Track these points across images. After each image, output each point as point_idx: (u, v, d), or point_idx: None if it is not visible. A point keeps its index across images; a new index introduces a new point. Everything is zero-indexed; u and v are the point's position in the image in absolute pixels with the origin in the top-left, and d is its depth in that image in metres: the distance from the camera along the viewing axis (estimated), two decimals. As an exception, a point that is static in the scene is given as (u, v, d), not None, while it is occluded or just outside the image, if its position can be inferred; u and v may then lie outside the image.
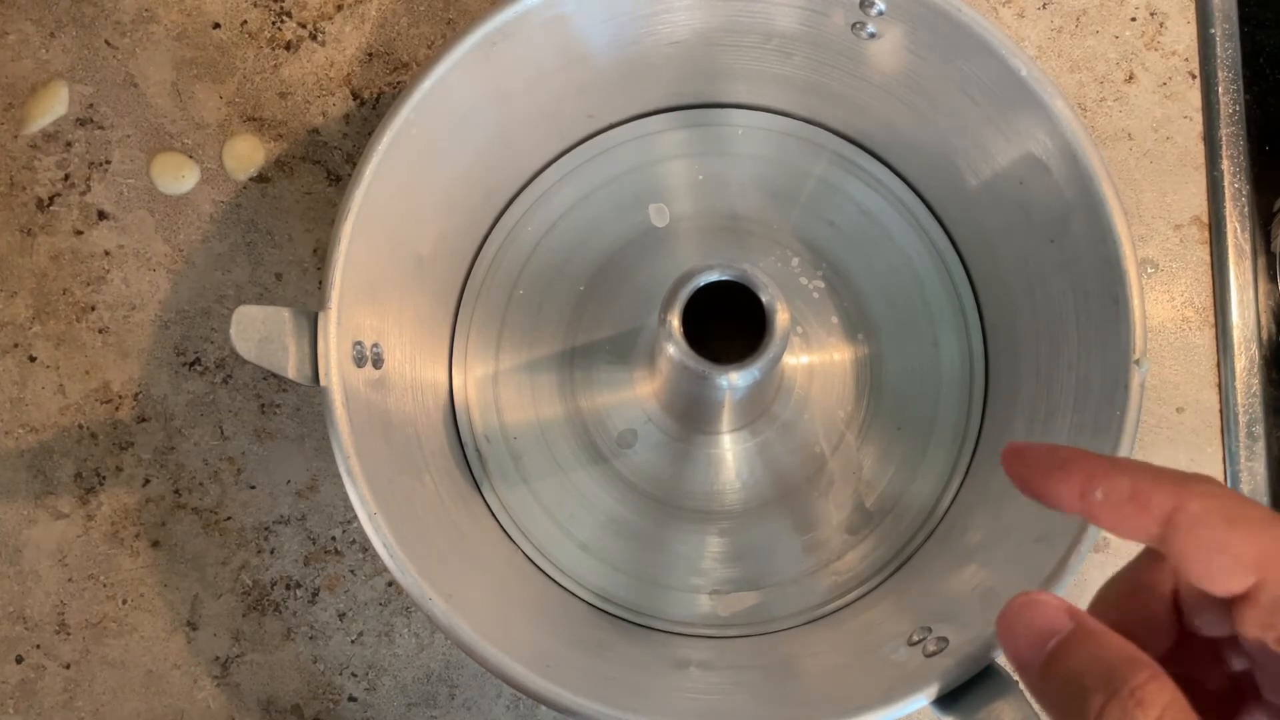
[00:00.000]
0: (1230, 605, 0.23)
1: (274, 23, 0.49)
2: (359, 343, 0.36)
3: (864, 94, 0.43)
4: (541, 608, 0.42)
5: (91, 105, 0.48)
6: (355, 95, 0.48)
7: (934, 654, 0.34)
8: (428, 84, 0.37)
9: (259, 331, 0.34)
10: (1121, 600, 0.26)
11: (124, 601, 0.45)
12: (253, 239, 0.47)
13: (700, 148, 0.47)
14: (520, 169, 0.46)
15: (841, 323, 0.45)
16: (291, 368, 0.34)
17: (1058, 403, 0.39)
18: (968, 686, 0.33)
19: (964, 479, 0.44)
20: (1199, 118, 0.49)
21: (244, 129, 0.48)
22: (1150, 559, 0.26)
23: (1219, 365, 0.47)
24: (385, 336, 0.39)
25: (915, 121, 0.42)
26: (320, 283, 0.37)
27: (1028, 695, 0.32)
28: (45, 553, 0.45)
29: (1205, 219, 0.48)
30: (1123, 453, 0.35)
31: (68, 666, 0.45)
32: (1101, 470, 0.24)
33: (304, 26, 0.49)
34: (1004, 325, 0.44)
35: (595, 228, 0.46)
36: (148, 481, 0.46)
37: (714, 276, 0.37)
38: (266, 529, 0.46)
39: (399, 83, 0.48)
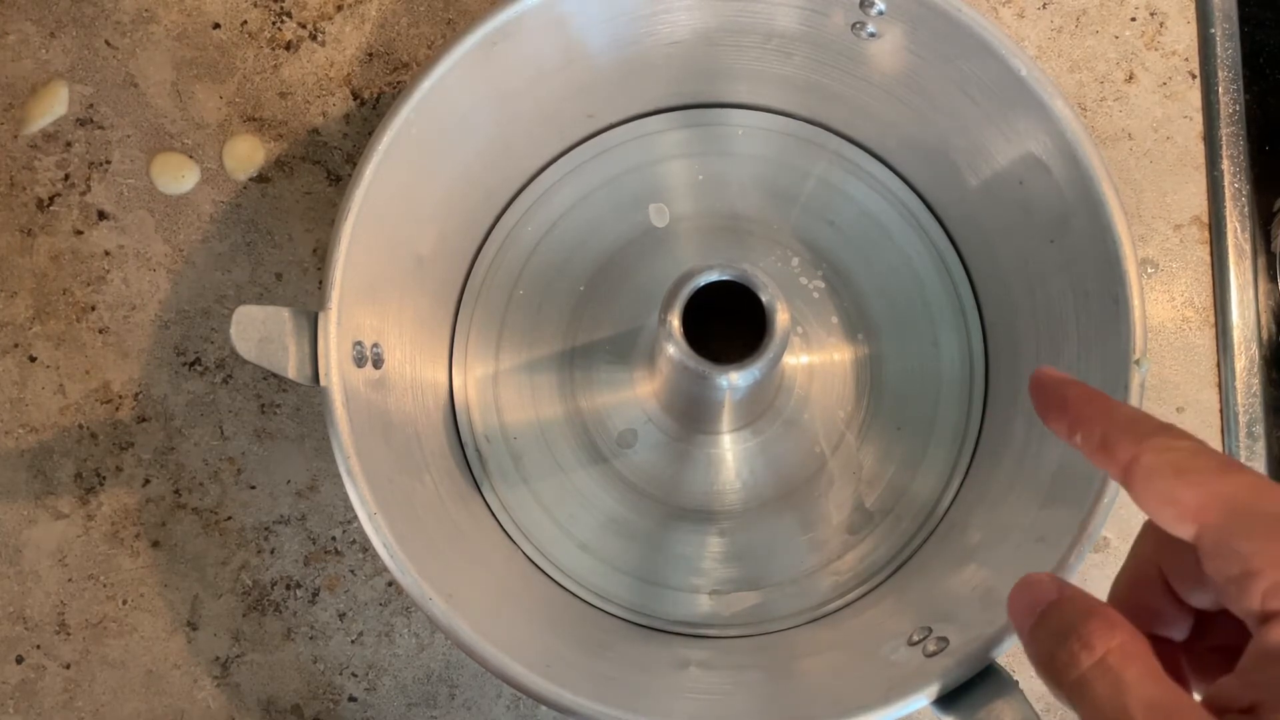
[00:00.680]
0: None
1: (274, 23, 0.49)
2: (359, 343, 0.36)
3: (864, 94, 0.43)
4: (541, 608, 0.42)
5: (91, 105, 0.48)
6: (355, 95, 0.48)
7: (934, 654, 0.34)
8: (428, 84, 0.37)
9: (259, 331, 0.34)
10: (1125, 596, 0.28)
11: (124, 601, 0.45)
12: (253, 239, 0.47)
13: (700, 148, 0.47)
14: (520, 169, 0.46)
15: (841, 323, 0.45)
16: (291, 368, 0.34)
17: (1058, 403, 0.39)
18: (968, 686, 0.33)
19: (964, 479, 0.44)
20: (1199, 118, 0.49)
21: (244, 129, 0.48)
22: (1136, 553, 0.28)
23: (1219, 365, 0.47)
24: (385, 336, 0.39)
25: (915, 121, 0.42)
26: (320, 283, 0.37)
27: (1027, 694, 0.32)
28: (45, 553, 0.45)
29: (1205, 219, 0.48)
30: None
31: (68, 666, 0.45)
32: (1086, 416, 0.26)
33: (304, 26, 0.49)
34: (1004, 325, 0.44)
35: (595, 228, 0.46)
36: (148, 481, 0.46)
37: (714, 276, 0.37)
38: (266, 529, 0.46)
39: (399, 83, 0.48)
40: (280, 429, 0.46)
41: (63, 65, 0.48)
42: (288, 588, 0.45)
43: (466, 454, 0.44)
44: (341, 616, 0.45)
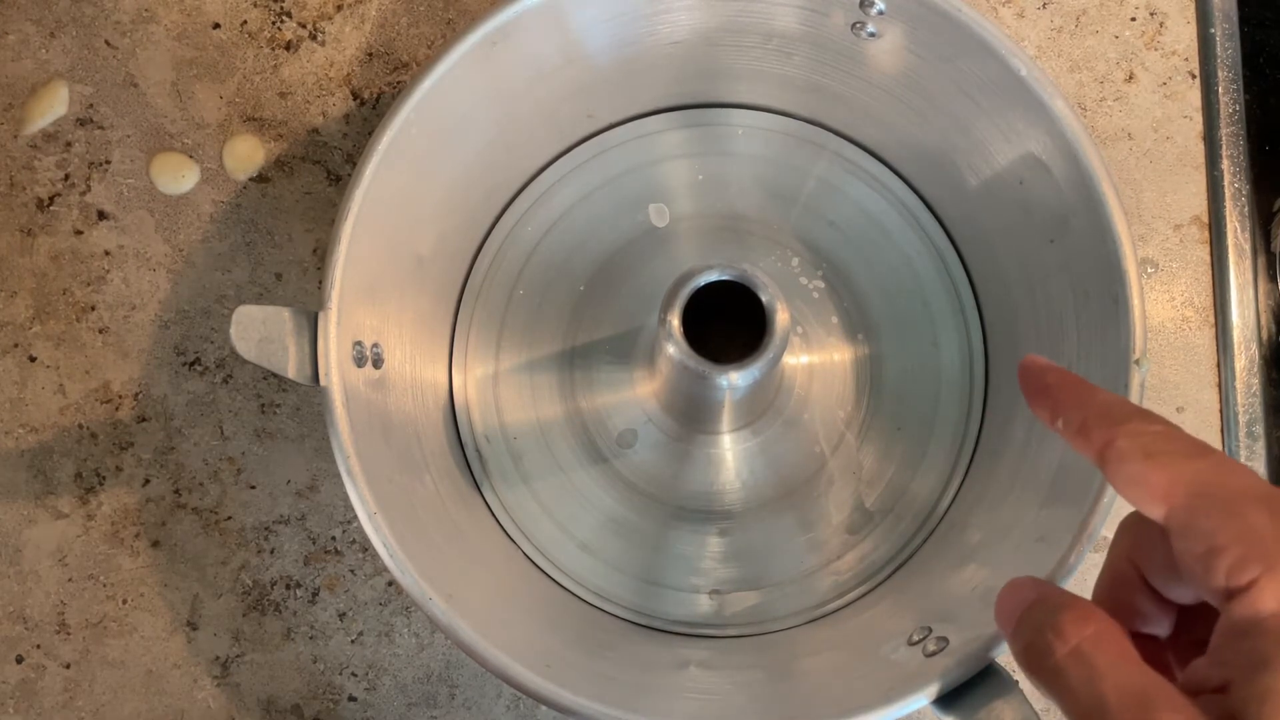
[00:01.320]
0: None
1: (274, 23, 0.49)
2: (359, 343, 0.36)
3: (864, 94, 0.43)
4: (541, 607, 0.42)
5: (91, 105, 0.48)
6: (355, 95, 0.48)
7: (934, 654, 0.34)
8: (428, 84, 0.37)
9: (259, 331, 0.34)
10: (1105, 597, 0.28)
11: (124, 601, 0.45)
12: (253, 239, 0.47)
13: (700, 148, 0.46)
14: (520, 169, 0.46)
15: (841, 323, 0.45)
16: (291, 368, 0.34)
17: (1058, 403, 0.39)
18: (968, 686, 0.33)
19: (964, 479, 0.44)
20: (1199, 117, 0.49)
21: (244, 129, 0.48)
22: (1113, 552, 0.28)
23: (1219, 365, 0.47)
24: (385, 336, 0.39)
25: (915, 121, 0.42)
26: (320, 283, 0.37)
27: (1027, 694, 0.32)
28: (45, 553, 0.45)
29: (1205, 219, 0.48)
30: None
31: (68, 666, 0.45)
32: (1065, 402, 0.27)
33: (304, 26, 0.49)
34: (1004, 325, 0.44)
35: (595, 228, 0.46)
36: (148, 481, 0.46)
37: (714, 276, 0.37)
38: (266, 529, 0.46)
39: (399, 83, 0.48)
40: (280, 429, 0.46)
41: (63, 65, 0.48)
42: (288, 588, 0.45)
43: (466, 454, 0.44)
44: (341, 616, 0.45)
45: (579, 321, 0.46)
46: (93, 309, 0.47)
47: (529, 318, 0.45)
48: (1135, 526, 0.28)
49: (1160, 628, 0.27)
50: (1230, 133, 0.48)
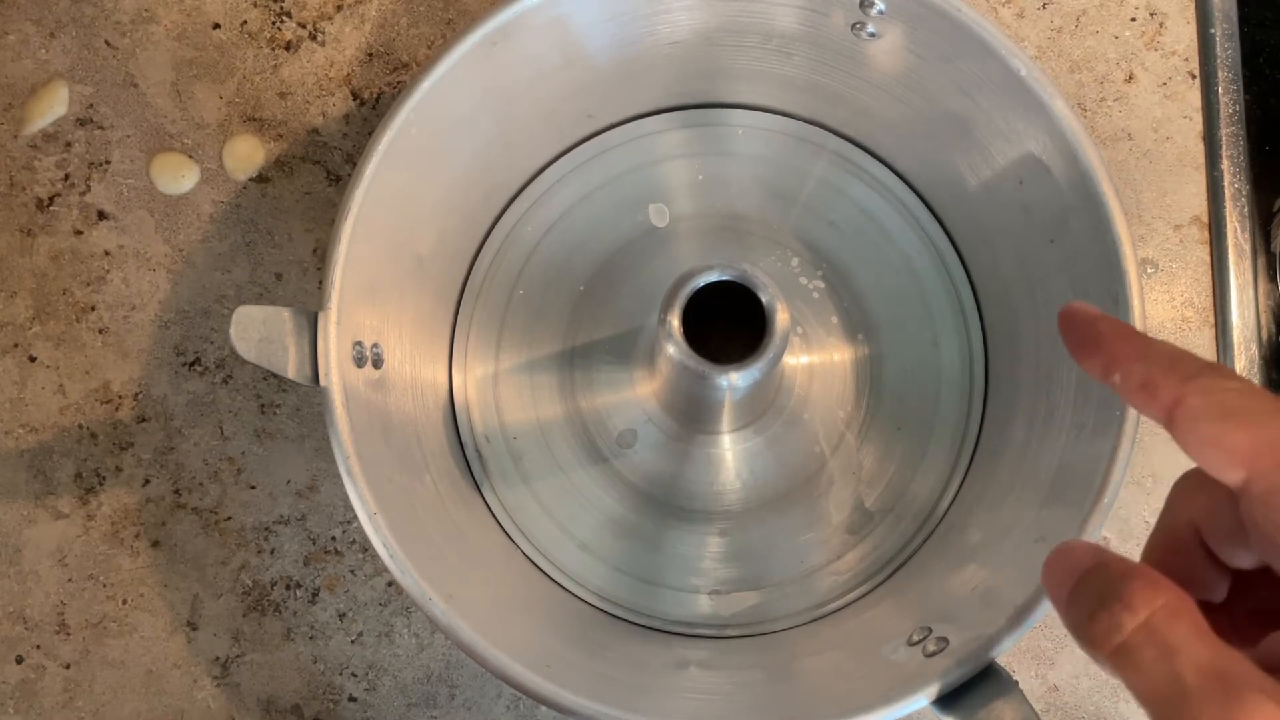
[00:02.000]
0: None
1: (274, 23, 0.49)
2: (359, 343, 0.36)
3: (864, 94, 0.43)
4: (541, 607, 0.42)
5: (91, 105, 0.48)
6: (355, 95, 0.48)
7: (934, 654, 0.34)
8: (428, 84, 0.37)
9: (259, 331, 0.34)
10: (1159, 560, 0.26)
11: (124, 601, 0.45)
12: (253, 239, 0.47)
13: (700, 148, 0.47)
14: (520, 169, 0.46)
15: (841, 323, 0.45)
16: (291, 368, 0.34)
17: (1058, 403, 0.39)
18: (968, 686, 0.33)
19: (964, 479, 0.44)
20: (1199, 118, 0.49)
21: (244, 129, 0.48)
22: (1169, 514, 0.27)
23: (1219, 365, 0.47)
24: (385, 336, 0.39)
25: (915, 121, 0.42)
26: (320, 283, 0.37)
27: (1027, 695, 0.32)
28: (45, 553, 0.45)
29: (1205, 219, 0.48)
30: (1122, 454, 0.35)
31: (68, 666, 0.45)
32: (1123, 354, 0.25)
33: (304, 26, 0.49)
34: (1004, 325, 0.44)
35: (595, 228, 0.46)
36: (148, 481, 0.46)
37: (714, 276, 0.37)
38: (266, 529, 0.46)
39: (399, 83, 0.48)
40: (280, 429, 0.46)
41: (63, 65, 0.48)
42: (288, 588, 0.45)
43: (466, 454, 0.44)
44: (341, 616, 0.45)
45: (579, 321, 0.46)
46: (93, 309, 0.47)
47: (529, 318, 0.45)
48: (1198, 489, 0.25)
49: (1215, 593, 0.26)
50: (1230, 133, 0.48)
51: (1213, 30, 0.49)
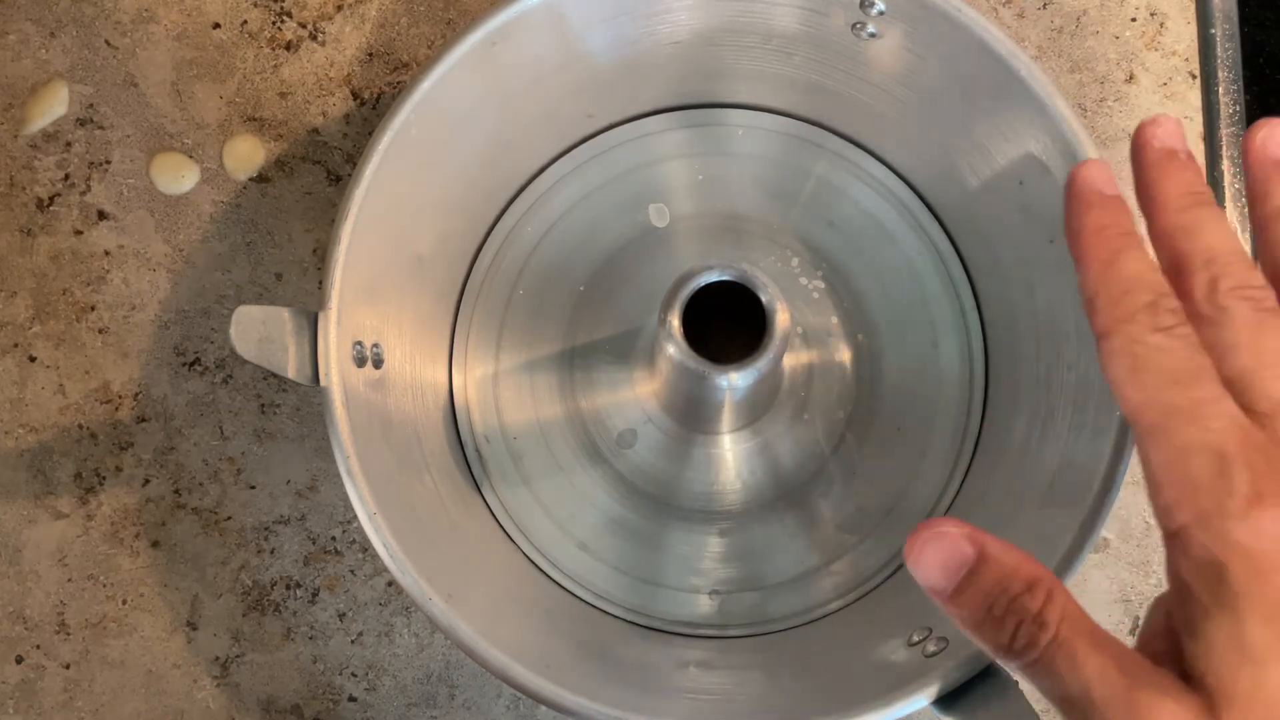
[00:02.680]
0: None
1: (274, 23, 0.49)
2: (359, 343, 0.36)
3: (864, 94, 0.43)
4: (541, 608, 0.42)
5: (91, 105, 0.48)
6: (355, 95, 0.48)
7: (934, 654, 0.34)
8: (428, 84, 0.37)
9: (259, 331, 0.34)
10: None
11: (124, 601, 0.45)
12: (253, 239, 0.47)
13: (700, 148, 0.47)
14: (520, 169, 0.46)
15: (841, 323, 0.45)
16: (291, 368, 0.34)
17: (1057, 403, 0.39)
18: (968, 687, 0.33)
19: (964, 479, 0.44)
20: (1199, 118, 0.49)
21: (244, 129, 0.48)
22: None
23: (1219, 365, 0.47)
24: (385, 336, 0.39)
25: (915, 121, 0.42)
26: (320, 283, 0.37)
27: (1027, 694, 0.32)
28: (45, 553, 0.45)
29: (1205, 219, 0.48)
30: (1122, 454, 0.35)
31: (68, 666, 0.45)
32: (1092, 256, 0.27)
33: (304, 26, 0.49)
34: (1004, 325, 0.44)
35: (595, 228, 0.46)
36: (148, 481, 0.46)
37: (714, 276, 0.37)
38: (266, 529, 0.46)
39: (399, 83, 0.48)
40: (280, 429, 0.46)
41: (63, 65, 0.48)
42: (288, 588, 0.45)
43: (466, 454, 0.44)
44: (341, 616, 0.45)
45: (579, 321, 0.46)
46: (93, 309, 0.47)
47: (529, 318, 0.45)
48: None
49: None
50: (1230, 133, 0.48)
51: (1213, 30, 0.49)
